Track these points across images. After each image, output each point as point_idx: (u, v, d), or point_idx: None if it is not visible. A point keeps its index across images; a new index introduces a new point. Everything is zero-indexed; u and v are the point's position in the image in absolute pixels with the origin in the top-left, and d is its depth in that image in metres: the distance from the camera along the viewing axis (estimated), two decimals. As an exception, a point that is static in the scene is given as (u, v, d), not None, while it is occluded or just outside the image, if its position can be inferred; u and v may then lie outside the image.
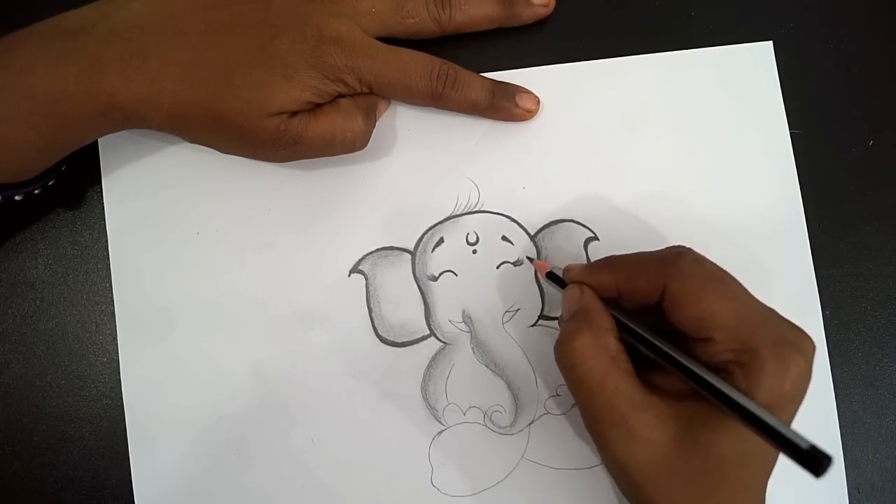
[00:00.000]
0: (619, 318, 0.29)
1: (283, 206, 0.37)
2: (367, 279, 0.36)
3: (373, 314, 0.36)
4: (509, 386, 0.36)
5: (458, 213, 0.37)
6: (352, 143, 0.34)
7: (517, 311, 0.36)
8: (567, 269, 0.32)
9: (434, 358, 0.36)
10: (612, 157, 0.37)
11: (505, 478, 0.36)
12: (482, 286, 0.36)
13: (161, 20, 0.31)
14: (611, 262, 0.31)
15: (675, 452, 0.27)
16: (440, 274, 0.36)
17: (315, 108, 0.33)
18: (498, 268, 0.36)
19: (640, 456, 0.27)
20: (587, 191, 0.37)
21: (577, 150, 0.37)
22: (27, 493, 0.36)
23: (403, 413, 0.36)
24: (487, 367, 0.36)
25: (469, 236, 0.36)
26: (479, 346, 0.36)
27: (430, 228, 0.37)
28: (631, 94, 0.37)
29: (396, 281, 0.36)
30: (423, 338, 0.36)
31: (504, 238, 0.36)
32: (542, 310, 0.36)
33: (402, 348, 0.36)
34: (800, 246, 0.36)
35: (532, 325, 0.36)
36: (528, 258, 0.36)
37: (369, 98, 0.34)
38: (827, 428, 0.36)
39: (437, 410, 0.36)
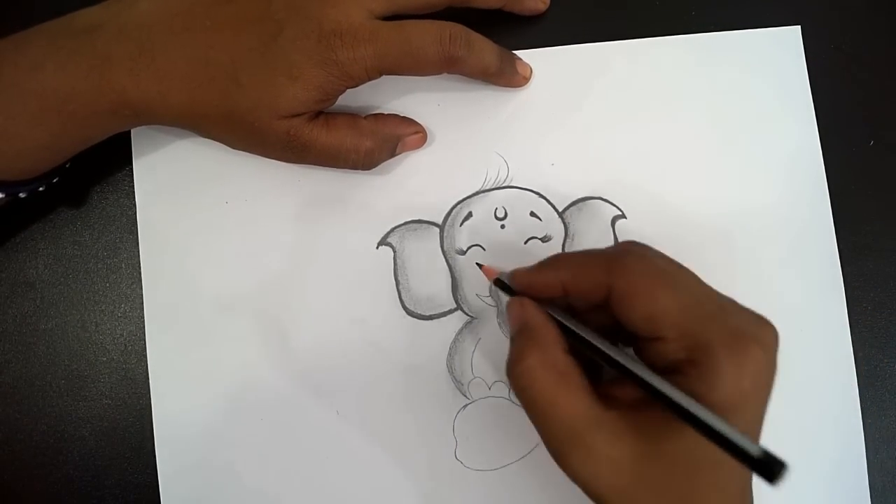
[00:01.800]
0: (565, 323, 0.28)
1: (312, 178, 0.37)
2: (395, 252, 0.37)
3: (400, 287, 0.36)
4: None
5: (486, 187, 0.37)
6: (355, 163, 0.34)
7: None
8: (513, 275, 0.31)
9: (460, 331, 0.36)
10: (640, 136, 0.37)
11: (529, 453, 0.36)
12: (510, 261, 0.36)
13: (168, 18, 0.31)
14: (556, 261, 0.30)
15: (639, 466, 0.25)
16: (468, 248, 0.37)
17: (330, 119, 0.33)
18: (526, 243, 0.37)
19: (603, 475, 0.25)
20: (615, 169, 0.37)
21: (605, 129, 0.37)
22: (27, 493, 0.36)
23: (429, 386, 0.36)
24: None
25: (497, 211, 0.37)
26: (505, 320, 0.36)
27: (458, 203, 0.37)
28: (658, 75, 0.37)
29: (424, 254, 0.37)
30: (450, 311, 0.36)
31: (532, 214, 0.37)
32: None
33: (429, 321, 0.36)
34: (824, 232, 0.37)
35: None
36: (477, 264, 0.36)
37: (390, 127, 0.35)
38: (850, 425, 0.36)
39: (462, 384, 0.36)
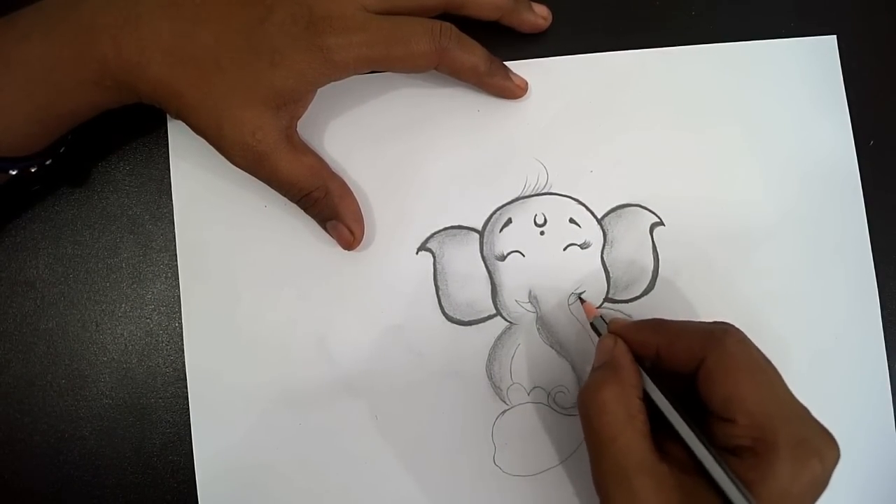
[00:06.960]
0: (647, 379, 0.30)
1: (351, 183, 0.36)
2: (434, 257, 0.37)
3: (440, 292, 0.36)
4: (573, 367, 0.36)
5: (526, 194, 0.37)
6: (293, 198, 0.34)
7: (583, 292, 0.36)
8: (612, 322, 0.32)
9: (500, 337, 0.36)
10: (677, 144, 0.37)
11: (566, 459, 0.36)
12: (549, 267, 0.37)
13: None
14: (657, 325, 0.31)
15: None
16: (507, 254, 0.37)
17: (299, 146, 0.33)
18: (565, 250, 0.37)
19: None
20: (653, 176, 0.37)
21: (643, 136, 0.37)
22: (27, 493, 0.36)
23: (467, 392, 0.36)
24: (552, 347, 0.36)
25: (537, 218, 0.37)
26: (544, 326, 0.36)
27: (498, 209, 0.37)
28: (695, 83, 0.37)
29: (464, 260, 0.37)
30: (489, 317, 0.36)
31: (571, 220, 0.37)
32: (608, 292, 0.36)
33: (468, 327, 0.36)
34: (859, 239, 0.37)
35: (597, 307, 0.36)
36: (579, 297, 0.36)
37: (343, 202, 0.34)
38: (883, 431, 0.36)
39: (501, 390, 0.36)
